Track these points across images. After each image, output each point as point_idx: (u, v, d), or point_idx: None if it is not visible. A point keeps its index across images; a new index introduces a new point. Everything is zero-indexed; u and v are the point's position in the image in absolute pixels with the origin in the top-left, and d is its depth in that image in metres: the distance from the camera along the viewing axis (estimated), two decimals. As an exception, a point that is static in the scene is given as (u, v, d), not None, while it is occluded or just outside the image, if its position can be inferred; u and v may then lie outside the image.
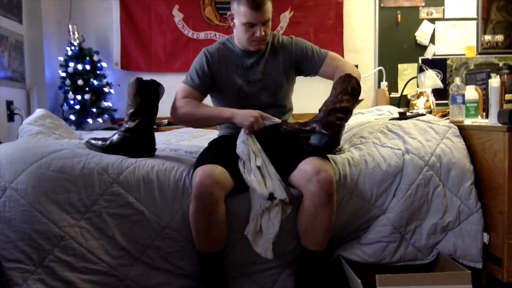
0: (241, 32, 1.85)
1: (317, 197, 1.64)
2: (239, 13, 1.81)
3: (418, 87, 3.28)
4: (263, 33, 1.81)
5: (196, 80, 1.89)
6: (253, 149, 1.75)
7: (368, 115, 2.76)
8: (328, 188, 1.63)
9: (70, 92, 3.43)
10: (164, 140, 2.44)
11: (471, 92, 2.24)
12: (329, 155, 1.86)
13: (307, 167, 1.68)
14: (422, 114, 2.27)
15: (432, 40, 3.96)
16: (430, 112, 2.94)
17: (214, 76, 1.91)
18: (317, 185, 1.63)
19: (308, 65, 1.94)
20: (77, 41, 3.53)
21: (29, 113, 3.11)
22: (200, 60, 1.92)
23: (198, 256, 1.72)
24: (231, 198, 1.72)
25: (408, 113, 2.43)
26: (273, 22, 1.93)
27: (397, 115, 2.38)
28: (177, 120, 1.89)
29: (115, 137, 1.90)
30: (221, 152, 1.76)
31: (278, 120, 1.79)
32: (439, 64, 3.95)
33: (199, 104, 1.88)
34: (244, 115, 1.77)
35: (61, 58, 3.55)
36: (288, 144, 1.85)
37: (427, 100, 3.21)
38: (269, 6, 1.82)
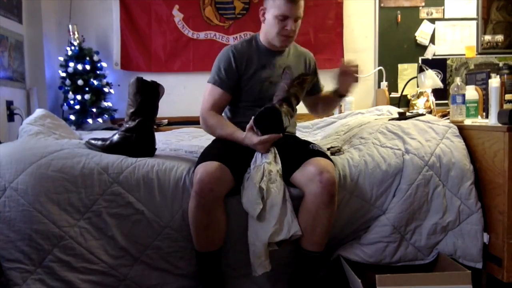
0: (272, 25, 1.85)
1: (318, 198, 1.64)
2: (273, 6, 1.83)
3: (418, 87, 3.28)
4: (293, 28, 1.84)
5: (225, 80, 1.87)
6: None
7: (368, 115, 2.76)
8: (330, 189, 1.63)
9: (70, 92, 3.43)
10: (164, 140, 2.44)
11: (471, 92, 2.24)
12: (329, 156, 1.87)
13: (310, 167, 1.68)
14: (422, 114, 2.27)
15: (432, 40, 3.96)
16: (430, 112, 2.93)
17: (240, 74, 1.89)
18: (320, 185, 1.63)
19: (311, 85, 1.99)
20: (77, 41, 3.53)
21: (29, 113, 3.11)
22: (227, 57, 1.89)
23: (196, 255, 1.72)
24: (231, 198, 1.72)
25: (408, 113, 2.43)
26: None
27: (396, 115, 2.38)
28: (204, 129, 1.92)
29: (115, 137, 1.90)
30: (223, 150, 1.76)
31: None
32: (439, 64, 3.94)
33: (220, 121, 1.87)
34: (252, 145, 1.74)
35: (61, 58, 3.55)
36: (291, 144, 1.85)
37: (427, 100, 3.21)
38: (302, 3, 1.85)
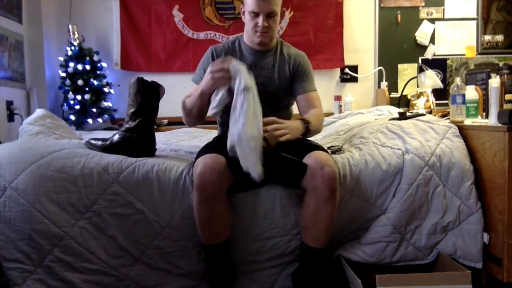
0: (247, 21, 1.88)
1: (319, 193, 1.64)
2: (246, 2, 1.86)
3: (418, 87, 3.28)
4: (266, 24, 1.83)
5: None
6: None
7: (368, 115, 2.76)
8: (331, 183, 1.63)
9: (70, 92, 3.43)
10: (164, 140, 2.44)
11: (471, 92, 2.25)
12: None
13: (310, 162, 1.67)
14: (422, 114, 2.27)
15: (432, 40, 3.96)
16: (430, 112, 2.94)
17: None
18: (321, 180, 1.62)
19: (296, 85, 1.96)
20: (77, 41, 3.52)
21: (29, 113, 3.11)
22: (207, 57, 1.95)
23: (203, 248, 1.72)
24: (232, 196, 1.72)
25: (408, 113, 2.44)
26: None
27: (397, 115, 2.38)
28: (184, 115, 1.86)
29: (116, 137, 1.90)
30: (223, 147, 1.75)
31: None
32: (439, 64, 3.94)
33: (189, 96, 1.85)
34: (205, 78, 1.69)
35: (61, 58, 3.55)
36: (289, 141, 1.84)
37: (427, 100, 3.21)
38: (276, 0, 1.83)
